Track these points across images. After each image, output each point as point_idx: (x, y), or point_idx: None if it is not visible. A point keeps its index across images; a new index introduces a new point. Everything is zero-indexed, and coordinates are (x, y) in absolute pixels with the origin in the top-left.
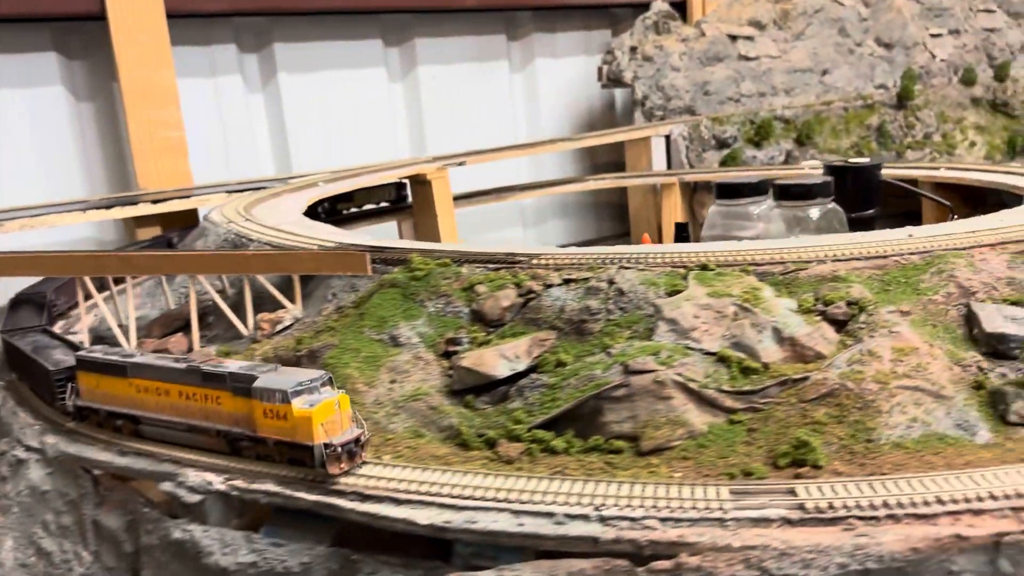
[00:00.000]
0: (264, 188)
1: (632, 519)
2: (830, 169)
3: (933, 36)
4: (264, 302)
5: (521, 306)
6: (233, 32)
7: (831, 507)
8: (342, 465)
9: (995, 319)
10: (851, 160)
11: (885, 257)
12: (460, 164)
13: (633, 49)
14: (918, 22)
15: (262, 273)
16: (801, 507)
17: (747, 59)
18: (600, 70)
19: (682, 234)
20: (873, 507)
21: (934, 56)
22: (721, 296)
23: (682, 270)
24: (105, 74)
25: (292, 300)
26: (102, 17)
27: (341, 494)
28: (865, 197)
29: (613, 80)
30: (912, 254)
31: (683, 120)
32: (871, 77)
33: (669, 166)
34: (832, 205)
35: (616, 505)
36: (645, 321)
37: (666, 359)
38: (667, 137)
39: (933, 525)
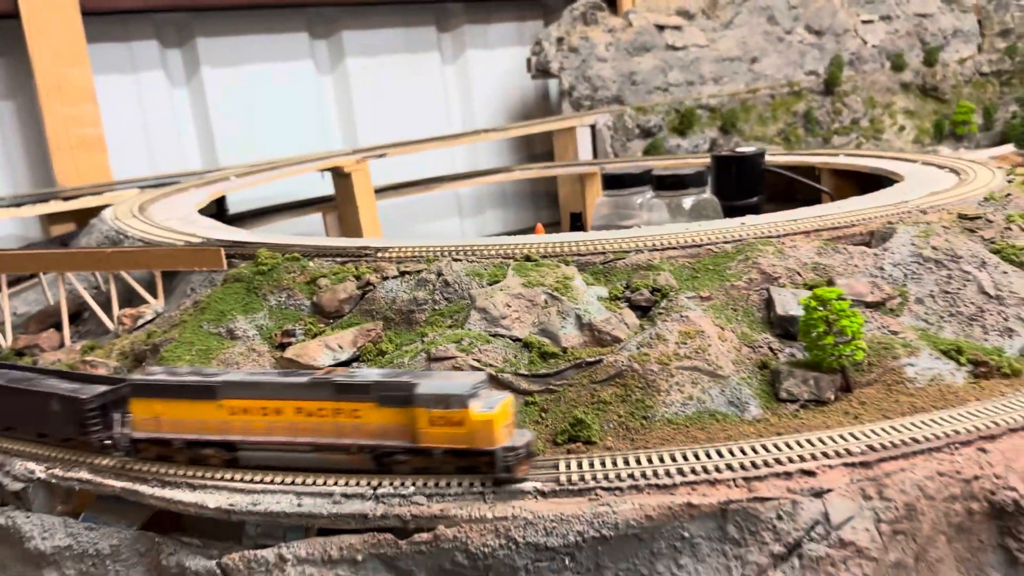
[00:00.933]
0: (177, 183)
1: (403, 496)
2: (716, 159)
3: (864, 22)
4: (134, 298)
5: (359, 298)
6: (154, 28)
7: (582, 479)
8: (524, 468)
9: (788, 303)
10: (737, 149)
11: (699, 246)
12: (380, 156)
13: (560, 40)
14: (849, 9)
15: (124, 270)
16: (556, 480)
17: (675, 49)
18: (529, 61)
19: (576, 223)
20: (619, 479)
21: (865, 42)
22: (534, 285)
23: (510, 261)
24: (24, 72)
25: (155, 296)
26: (15, 15)
27: (144, 480)
28: (749, 185)
29: (541, 71)
30: (726, 242)
31: (608, 110)
32: (801, 64)
33: (595, 155)
34: (707, 194)
35: (391, 485)
36: (465, 311)
37: (467, 346)
38: (592, 127)
39: (670, 495)
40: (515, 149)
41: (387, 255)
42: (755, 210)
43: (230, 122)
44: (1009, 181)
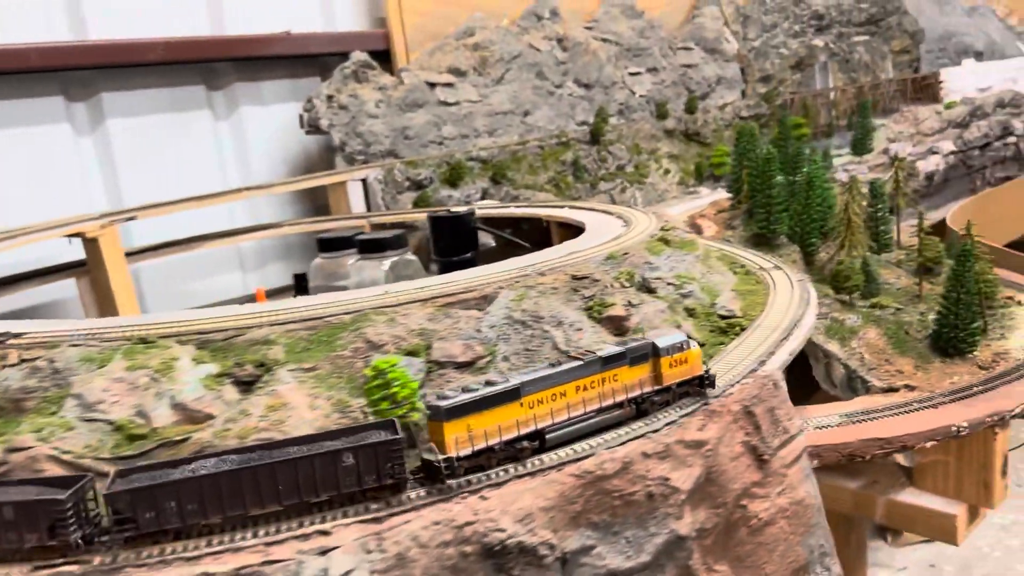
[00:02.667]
0: None
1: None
2: (431, 219)
3: (632, 74)
4: None
5: None
6: None
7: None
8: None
9: None
10: (452, 209)
11: (320, 318)
12: (129, 219)
13: (330, 97)
14: (617, 63)
15: None
16: None
17: (447, 104)
18: (301, 118)
19: (301, 284)
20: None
21: (634, 93)
22: (138, 368)
23: (125, 344)
24: None
25: None
26: None
27: None
28: (463, 242)
29: (313, 127)
30: (345, 314)
31: (380, 164)
32: (572, 116)
33: (368, 208)
34: (409, 255)
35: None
36: (67, 398)
37: (47, 435)
38: (364, 181)
39: (194, 565)
40: (299, 201)
41: (17, 341)
42: (469, 265)
43: None
44: (662, 229)
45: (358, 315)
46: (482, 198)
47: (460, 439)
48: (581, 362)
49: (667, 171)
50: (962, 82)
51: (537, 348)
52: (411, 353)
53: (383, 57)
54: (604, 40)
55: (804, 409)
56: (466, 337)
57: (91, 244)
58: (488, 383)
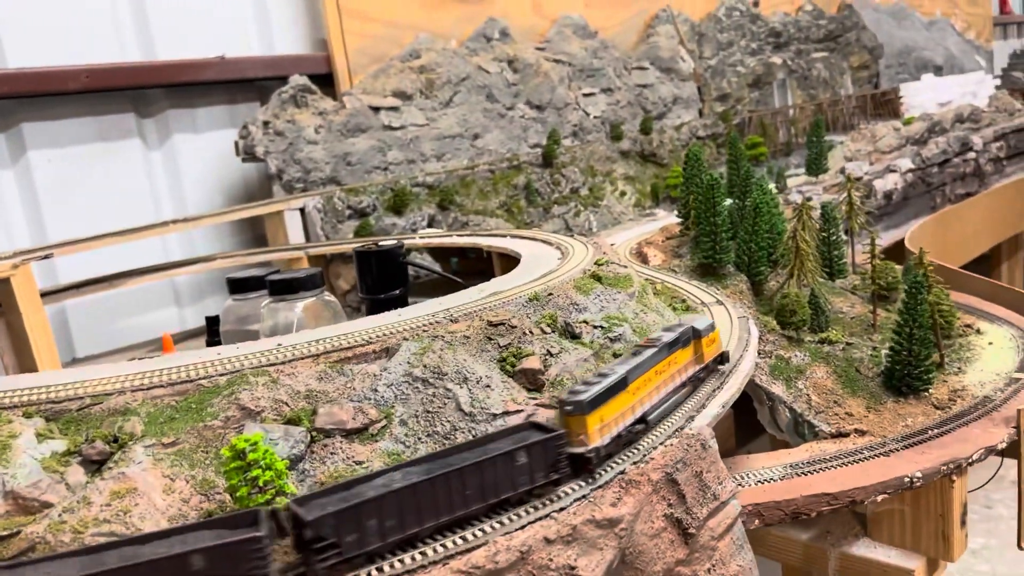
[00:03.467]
0: None
1: None
2: (357, 254)
3: (586, 95)
4: None
5: None
6: None
7: None
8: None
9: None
10: (380, 243)
11: (190, 381)
12: (46, 257)
13: (266, 124)
14: (570, 83)
15: None
16: None
17: (392, 128)
18: (236, 145)
19: (213, 327)
20: None
21: (588, 114)
22: None
23: None
24: None
25: None
26: None
27: None
28: (391, 278)
29: (249, 154)
30: (220, 375)
31: (320, 192)
32: (524, 138)
33: (307, 238)
34: (327, 296)
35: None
36: None
37: None
38: (302, 210)
39: None
40: (237, 232)
41: None
42: (399, 301)
43: None
44: (596, 263)
45: (235, 376)
46: (429, 225)
47: (600, 429)
48: (655, 348)
49: (623, 193)
50: (922, 97)
51: (438, 410)
52: (292, 421)
53: (325, 81)
54: (556, 61)
55: (745, 460)
56: (359, 399)
57: (3, 285)
58: (601, 374)
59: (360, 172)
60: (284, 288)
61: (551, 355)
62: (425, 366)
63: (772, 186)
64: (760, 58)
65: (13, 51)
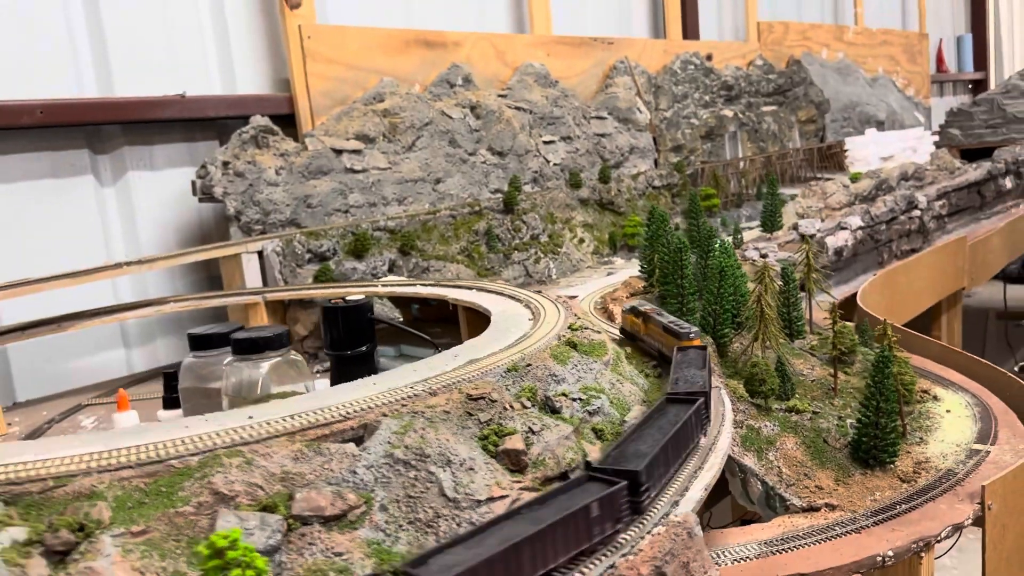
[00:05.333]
0: None
1: None
2: (323, 310)
3: (547, 143)
4: None
5: None
6: None
7: None
8: None
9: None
10: (347, 299)
11: (160, 461)
12: None
13: (226, 164)
14: (532, 131)
15: None
16: None
17: (354, 171)
18: (194, 184)
19: (170, 383)
20: None
21: (548, 161)
22: None
23: None
24: None
25: None
26: None
27: None
28: (358, 334)
29: (206, 195)
30: (192, 455)
31: (279, 235)
32: (486, 184)
33: (265, 283)
34: (293, 355)
35: None
36: None
37: None
38: (260, 253)
39: None
40: (192, 272)
41: None
42: (366, 358)
43: None
44: (570, 328)
45: (207, 456)
46: (389, 270)
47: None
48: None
49: (582, 240)
50: (865, 151)
51: (420, 495)
52: (268, 507)
53: (287, 121)
54: (518, 108)
55: (719, 535)
56: (337, 481)
57: None
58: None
59: (321, 215)
60: (249, 347)
61: (533, 432)
62: (407, 447)
63: (727, 238)
64: (713, 110)
65: None
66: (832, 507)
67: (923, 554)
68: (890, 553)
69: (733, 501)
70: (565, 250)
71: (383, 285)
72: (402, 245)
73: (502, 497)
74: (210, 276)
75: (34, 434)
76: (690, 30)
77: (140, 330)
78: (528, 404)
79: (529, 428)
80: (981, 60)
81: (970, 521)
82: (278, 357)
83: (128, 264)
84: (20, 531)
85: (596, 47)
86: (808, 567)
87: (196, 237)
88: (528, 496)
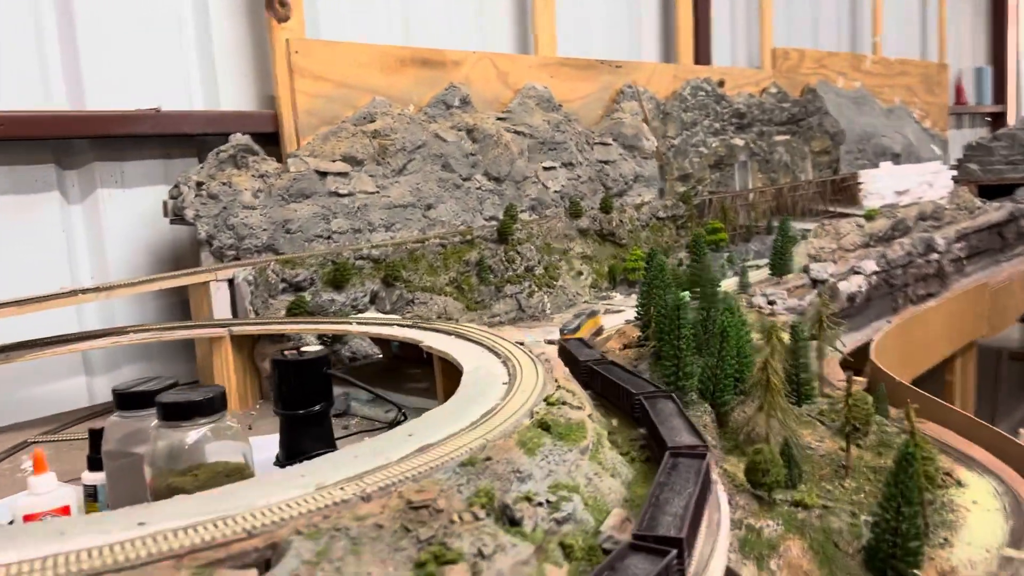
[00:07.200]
0: None
1: None
2: (275, 363)
3: (546, 169)
4: None
5: None
6: None
7: None
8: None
9: None
10: (303, 350)
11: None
12: None
13: (200, 184)
14: (531, 156)
15: None
16: None
17: (339, 195)
18: (165, 205)
19: (96, 443)
20: None
21: (547, 188)
22: None
23: None
24: None
25: None
26: None
27: None
28: (313, 391)
29: (178, 216)
30: (119, 571)
31: (250, 262)
32: (480, 210)
33: (235, 314)
34: (227, 421)
35: None
36: None
37: None
38: (231, 281)
39: None
40: (162, 296)
41: None
42: (320, 418)
43: None
44: (546, 402)
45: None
46: (371, 302)
47: None
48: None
49: (579, 273)
50: (880, 184)
51: None
52: None
53: (271, 140)
54: (517, 132)
55: None
56: None
57: None
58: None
59: (300, 241)
60: (176, 413)
61: (482, 556)
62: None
63: (733, 277)
64: (723, 139)
65: None
66: None
67: None
68: None
69: None
70: (561, 283)
71: (358, 323)
72: (386, 275)
73: None
74: (182, 301)
75: None
76: (702, 55)
77: (104, 357)
78: (482, 514)
79: (479, 550)
80: (1000, 93)
81: None
82: (210, 424)
83: (84, 292)
84: None
85: (603, 70)
86: None
87: (169, 259)
88: None
